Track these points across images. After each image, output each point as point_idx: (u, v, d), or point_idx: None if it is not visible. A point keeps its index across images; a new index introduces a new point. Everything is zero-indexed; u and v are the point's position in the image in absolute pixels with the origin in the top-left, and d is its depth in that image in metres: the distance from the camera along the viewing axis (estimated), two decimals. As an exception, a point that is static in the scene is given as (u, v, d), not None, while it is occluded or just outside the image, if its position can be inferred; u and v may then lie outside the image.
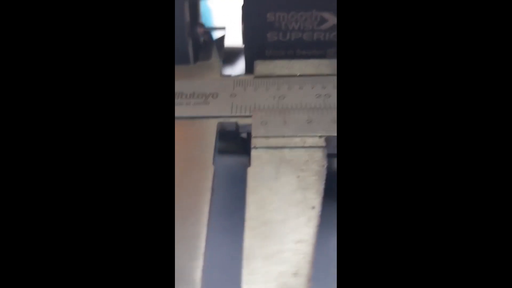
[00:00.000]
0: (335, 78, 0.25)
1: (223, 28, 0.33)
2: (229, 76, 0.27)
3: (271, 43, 0.29)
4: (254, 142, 0.23)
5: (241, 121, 0.24)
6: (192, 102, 0.25)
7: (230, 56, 0.32)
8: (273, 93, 0.25)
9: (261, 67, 0.27)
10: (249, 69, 0.29)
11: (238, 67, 0.32)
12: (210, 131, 0.24)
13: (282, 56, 0.30)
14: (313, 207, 0.20)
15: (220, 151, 0.24)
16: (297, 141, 0.22)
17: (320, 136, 0.22)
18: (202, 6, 0.33)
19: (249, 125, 0.24)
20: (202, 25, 0.32)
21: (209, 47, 0.30)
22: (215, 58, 0.29)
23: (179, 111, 0.25)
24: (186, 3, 0.28)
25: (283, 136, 0.23)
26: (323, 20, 0.28)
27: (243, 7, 0.28)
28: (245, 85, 0.26)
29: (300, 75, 0.26)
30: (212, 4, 0.38)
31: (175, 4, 0.26)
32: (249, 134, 0.24)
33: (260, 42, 0.29)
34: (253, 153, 0.22)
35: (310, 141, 0.22)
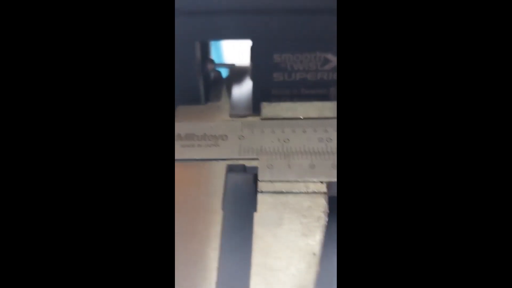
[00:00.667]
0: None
1: (232, 65, 0.35)
2: (237, 117, 0.29)
3: (277, 82, 0.31)
4: (261, 186, 0.24)
5: (248, 163, 0.26)
6: (204, 144, 0.27)
7: (238, 93, 0.34)
8: (278, 136, 0.27)
9: (268, 109, 0.29)
10: (256, 108, 0.31)
11: (246, 104, 0.33)
12: (219, 173, 0.26)
13: (287, 95, 0.31)
14: (314, 254, 0.21)
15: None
16: (300, 186, 0.24)
17: (322, 182, 0.24)
18: (213, 45, 0.35)
19: (256, 167, 0.26)
20: (212, 61, 0.34)
21: (219, 86, 0.32)
22: (224, 99, 0.31)
23: (191, 153, 0.27)
24: (197, 43, 0.29)
25: (288, 181, 0.24)
26: (326, 61, 0.30)
27: (252, 48, 0.29)
28: (252, 128, 0.28)
29: (304, 118, 0.28)
30: (223, 44, 0.40)
31: (186, 44, 0.28)
32: (255, 176, 0.26)
33: (267, 81, 0.31)
34: (260, 197, 0.24)
35: (312, 186, 0.24)
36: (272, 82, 0.30)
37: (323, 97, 0.30)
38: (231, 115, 0.30)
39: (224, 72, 0.34)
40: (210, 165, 0.26)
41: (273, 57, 0.30)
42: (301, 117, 0.28)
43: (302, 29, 0.28)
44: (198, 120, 0.29)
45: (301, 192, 0.24)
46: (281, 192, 0.24)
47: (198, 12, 0.27)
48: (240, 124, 0.28)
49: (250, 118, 0.29)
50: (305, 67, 0.30)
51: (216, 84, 0.33)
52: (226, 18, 0.27)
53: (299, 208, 0.23)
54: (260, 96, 0.31)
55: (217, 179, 0.25)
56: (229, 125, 0.28)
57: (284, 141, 0.27)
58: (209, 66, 0.34)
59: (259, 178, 0.25)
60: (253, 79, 0.31)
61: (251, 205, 0.24)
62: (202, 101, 0.31)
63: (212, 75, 0.34)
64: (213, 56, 0.36)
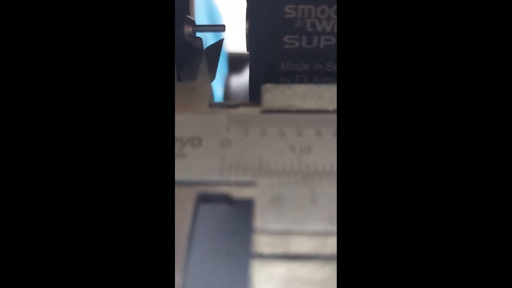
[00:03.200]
0: None
1: (222, 28, 0.23)
2: (221, 108, 0.17)
3: (289, 52, 0.19)
4: (259, 242, 0.13)
5: (237, 192, 0.14)
6: (159, 154, 0.15)
7: (226, 70, 0.22)
8: (292, 141, 0.15)
9: (273, 95, 0.17)
10: (254, 93, 0.19)
11: (238, 87, 0.22)
12: (183, 206, 0.14)
13: (304, 73, 0.20)
14: None
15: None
16: (330, 242, 0.12)
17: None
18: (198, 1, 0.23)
19: (249, 201, 0.14)
20: (191, 22, 0.22)
21: (197, 59, 0.20)
22: (203, 77, 0.19)
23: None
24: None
25: (312, 232, 0.13)
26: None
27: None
28: (247, 125, 0.16)
29: (334, 110, 0.16)
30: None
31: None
32: (244, 215, 0.14)
33: (273, 50, 0.19)
34: (257, 267, 0.12)
35: (330, 245, 0.12)
36: (281, 51, 0.19)
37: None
38: (212, 105, 0.18)
39: (208, 39, 0.22)
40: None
41: (283, 10, 0.18)
42: (330, 108, 0.17)
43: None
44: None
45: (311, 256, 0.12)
46: (291, 257, 0.12)
47: None
48: (226, 120, 0.17)
49: (242, 109, 0.17)
50: (333, 27, 0.19)
51: (193, 56, 0.21)
52: None
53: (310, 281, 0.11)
54: (260, 74, 0.19)
55: (180, 215, 0.14)
56: (207, 120, 0.17)
57: (302, 152, 0.15)
58: (187, 29, 0.22)
59: (257, 223, 0.13)
60: (250, 47, 0.19)
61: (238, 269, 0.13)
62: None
63: (190, 42, 0.22)
64: (195, 15, 0.24)
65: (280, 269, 0.12)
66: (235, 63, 0.37)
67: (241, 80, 0.35)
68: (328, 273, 0.12)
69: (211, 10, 0.30)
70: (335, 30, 0.19)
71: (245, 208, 0.14)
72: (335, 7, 0.18)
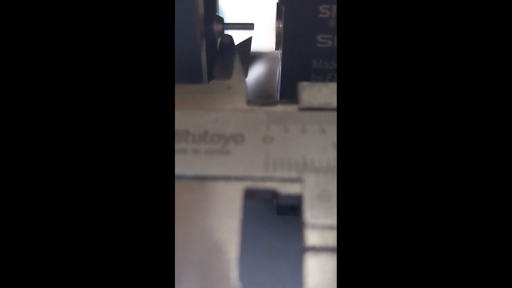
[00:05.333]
0: None
1: (251, 27, 0.23)
2: (259, 105, 0.18)
3: (323, 50, 0.20)
4: (309, 238, 0.13)
5: (283, 188, 0.15)
6: (203, 150, 0.16)
7: (260, 68, 0.22)
8: (333, 138, 0.16)
9: (310, 92, 0.17)
10: (287, 90, 0.20)
11: (272, 84, 0.22)
12: (230, 201, 0.14)
13: (336, 72, 0.20)
14: None
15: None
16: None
17: None
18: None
19: (296, 196, 0.15)
20: (220, 20, 0.23)
21: (230, 57, 0.20)
22: (238, 74, 0.19)
23: (180, 165, 0.15)
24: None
25: None
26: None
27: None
28: (286, 123, 0.17)
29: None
30: None
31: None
32: (296, 209, 0.15)
33: (307, 49, 0.20)
34: (310, 259, 0.13)
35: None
36: (314, 49, 0.20)
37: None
38: (250, 102, 0.18)
39: (238, 37, 0.22)
40: (214, 186, 0.15)
41: (318, 9, 0.19)
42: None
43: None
44: (196, 109, 0.17)
45: None
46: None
47: None
48: (265, 117, 0.17)
49: (281, 107, 0.18)
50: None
51: (225, 53, 0.21)
52: None
53: None
54: (294, 72, 0.20)
55: (226, 208, 0.14)
56: (247, 118, 0.17)
57: (345, 149, 0.16)
58: (216, 28, 0.22)
59: (306, 218, 0.14)
60: (283, 46, 0.20)
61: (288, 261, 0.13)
62: (203, 78, 0.20)
63: (221, 40, 0.22)
64: (223, 13, 0.24)
65: (332, 262, 0.13)
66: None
67: (250, 78, 0.35)
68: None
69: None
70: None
71: (291, 203, 0.15)
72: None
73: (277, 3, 0.20)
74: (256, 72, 0.32)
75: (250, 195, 0.15)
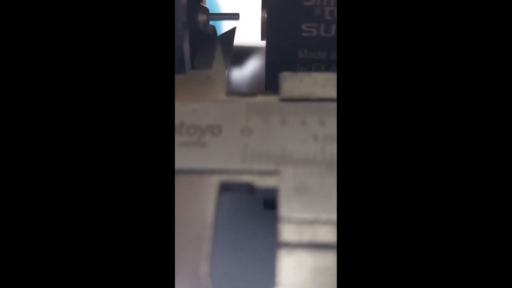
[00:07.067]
0: None
1: (236, 17, 0.23)
2: (239, 96, 0.17)
3: (308, 40, 0.19)
4: (285, 231, 0.13)
5: (260, 181, 0.14)
6: (179, 142, 0.15)
7: (241, 59, 0.22)
8: (314, 130, 0.15)
9: (292, 83, 0.17)
10: (271, 81, 0.19)
11: (255, 75, 0.21)
12: (205, 194, 0.14)
13: (322, 60, 0.19)
14: None
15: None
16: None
17: None
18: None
19: (273, 190, 0.14)
20: (205, 11, 0.22)
21: (212, 47, 0.20)
22: (219, 65, 0.19)
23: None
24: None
25: (331, 222, 0.12)
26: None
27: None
28: (266, 114, 0.16)
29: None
30: None
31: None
32: (271, 203, 0.14)
33: (291, 39, 0.19)
34: (284, 256, 0.12)
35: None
36: (299, 39, 0.19)
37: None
38: (229, 93, 0.17)
39: (222, 27, 0.22)
40: (188, 180, 0.14)
41: (302, -3, 0.18)
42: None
43: None
44: (176, 100, 0.17)
45: None
46: (321, 246, 0.12)
47: None
48: (245, 108, 0.16)
49: (261, 98, 0.17)
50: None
51: (208, 43, 0.21)
52: None
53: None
54: (278, 62, 0.19)
55: (200, 202, 0.13)
56: (226, 109, 0.16)
57: (326, 141, 0.15)
58: (201, 17, 0.22)
59: (282, 212, 0.13)
60: (267, 35, 0.19)
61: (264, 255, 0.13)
62: (185, 68, 0.19)
63: (204, 29, 0.22)
64: (207, 2, 0.24)
65: (307, 258, 0.12)
66: (236, 55, 0.37)
67: (242, 72, 0.34)
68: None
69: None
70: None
71: (267, 197, 0.14)
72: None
73: None
74: (251, 66, 0.31)
75: (226, 189, 0.14)
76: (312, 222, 0.13)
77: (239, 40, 0.23)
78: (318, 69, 0.20)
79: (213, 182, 0.14)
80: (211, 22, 0.23)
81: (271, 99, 0.17)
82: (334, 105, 0.16)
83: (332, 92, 0.16)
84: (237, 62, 0.33)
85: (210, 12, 0.22)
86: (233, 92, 0.17)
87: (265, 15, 0.19)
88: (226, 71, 0.19)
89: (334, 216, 0.13)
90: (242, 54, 0.35)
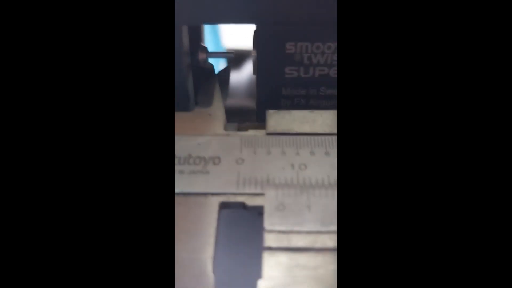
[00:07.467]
0: None
1: (231, 55, 0.27)
2: (235, 130, 0.22)
3: (290, 80, 0.23)
4: (268, 239, 0.17)
5: (250, 201, 0.19)
6: (187, 170, 0.20)
7: (237, 95, 0.26)
8: (291, 159, 0.20)
9: (275, 119, 0.21)
10: (261, 115, 0.23)
11: (247, 109, 0.26)
12: (210, 212, 0.18)
13: (302, 96, 0.24)
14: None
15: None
16: (324, 239, 0.17)
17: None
18: (207, 30, 0.27)
19: (260, 207, 0.18)
20: (205, 50, 0.26)
21: (210, 85, 0.24)
22: (218, 103, 0.23)
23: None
24: (184, 27, 0.21)
25: (309, 232, 0.17)
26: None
27: (257, 34, 0.22)
28: (255, 146, 0.20)
29: (326, 134, 0.20)
30: (219, 29, 0.31)
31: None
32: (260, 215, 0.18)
33: (276, 78, 0.23)
34: (267, 256, 0.17)
35: (320, 241, 0.17)
36: (283, 79, 0.23)
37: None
38: (226, 127, 0.22)
39: (218, 65, 0.26)
40: (195, 201, 0.19)
41: (285, 46, 0.22)
42: (321, 131, 0.21)
43: (323, 11, 0.20)
44: (182, 134, 0.21)
45: (311, 249, 0.17)
46: (295, 249, 0.17)
47: None
48: (239, 141, 0.21)
49: (251, 132, 0.21)
50: (327, 60, 0.22)
51: (207, 81, 0.25)
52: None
53: (310, 267, 0.16)
54: (266, 98, 0.23)
55: (205, 218, 0.18)
56: (224, 142, 0.21)
57: (300, 168, 0.19)
58: (201, 56, 0.26)
59: (266, 225, 0.17)
60: (258, 75, 0.23)
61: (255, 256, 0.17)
62: (191, 105, 0.23)
63: (204, 66, 0.26)
64: (207, 43, 0.28)
65: (284, 258, 0.17)
66: (235, 60, 0.40)
67: (241, 76, 0.37)
68: (319, 261, 0.17)
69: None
70: (328, 62, 0.23)
71: (257, 213, 0.18)
72: (328, 44, 0.22)
73: (254, 32, 0.23)
74: (247, 70, 0.34)
75: (225, 207, 0.19)
76: (288, 232, 0.17)
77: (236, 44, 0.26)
78: (299, 103, 0.24)
79: (215, 202, 0.19)
80: (209, 60, 0.27)
81: (260, 133, 0.21)
82: (307, 138, 0.20)
83: (307, 128, 0.21)
84: (235, 66, 0.35)
85: (209, 51, 0.27)
86: (229, 126, 0.22)
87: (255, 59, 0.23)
88: (223, 108, 0.23)
89: (304, 228, 0.17)
90: (240, 58, 0.37)
